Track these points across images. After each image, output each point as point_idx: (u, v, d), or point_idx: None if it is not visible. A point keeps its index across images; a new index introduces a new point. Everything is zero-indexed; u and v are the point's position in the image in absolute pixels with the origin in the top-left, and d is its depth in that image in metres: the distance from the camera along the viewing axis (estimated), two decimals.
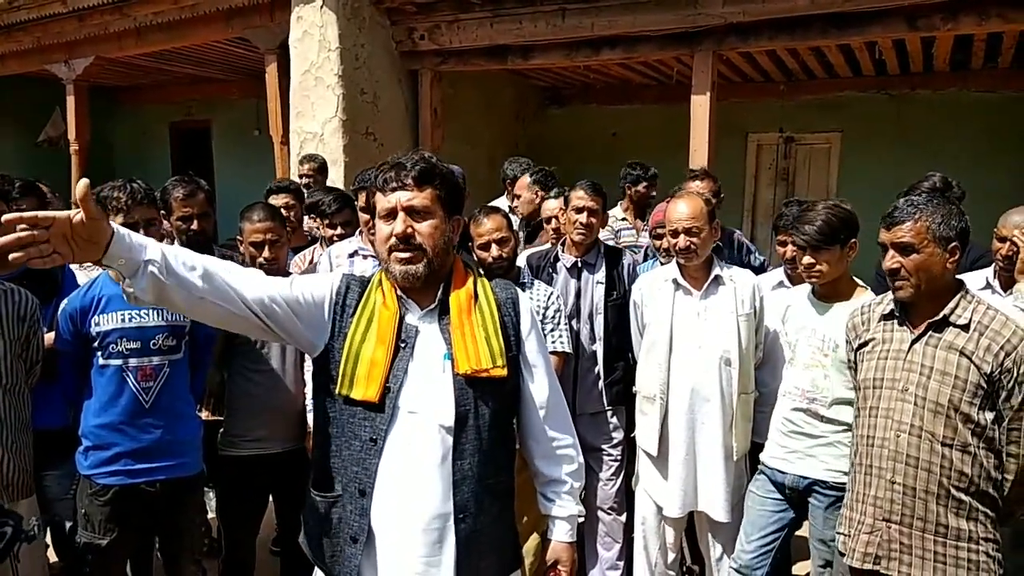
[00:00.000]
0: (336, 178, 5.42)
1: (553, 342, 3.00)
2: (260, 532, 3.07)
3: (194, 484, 2.69)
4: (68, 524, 2.57)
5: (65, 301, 2.58)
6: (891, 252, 2.17)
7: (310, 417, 2.64)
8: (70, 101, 7.62)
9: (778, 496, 2.75)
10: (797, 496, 2.70)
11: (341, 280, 1.86)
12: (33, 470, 2.58)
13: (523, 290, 2.56)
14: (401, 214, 1.76)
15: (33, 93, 9.03)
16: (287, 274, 2.96)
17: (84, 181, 1.40)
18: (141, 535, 2.71)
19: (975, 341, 2.09)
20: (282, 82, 5.99)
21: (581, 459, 1.98)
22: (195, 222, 3.17)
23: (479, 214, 3.10)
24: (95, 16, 6.72)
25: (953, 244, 2.12)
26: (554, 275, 3.36)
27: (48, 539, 2.91)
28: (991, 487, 2.12)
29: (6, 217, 1.36)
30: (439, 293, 1.83)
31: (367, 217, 3.20)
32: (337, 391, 1.76)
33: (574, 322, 3.29)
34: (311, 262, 3.78)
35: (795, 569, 3.42)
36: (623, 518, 3.40)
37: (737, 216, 8.12)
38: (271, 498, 3.04)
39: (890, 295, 2.29)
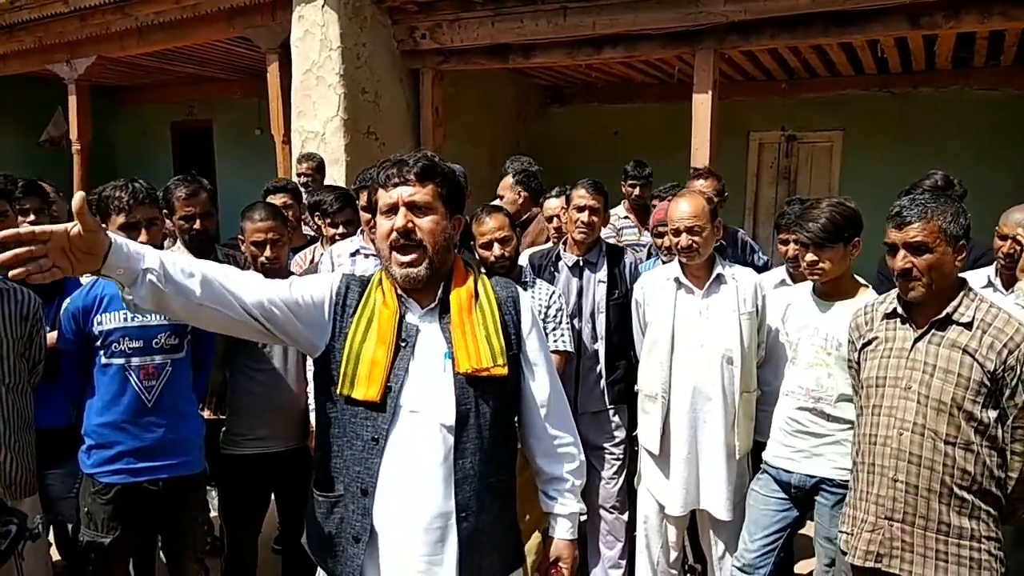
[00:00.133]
0: (338, 177, 5.43)
1: (555, 341, 3.01)
2: (262, 531, 3.07)
3: (197, 483, 2.70)
4: (70, 525, 2.58)
5: (68, 300, 2.59)
6: (902, 253, 2.13)
7: (312, 416, 2.64)
8: (72, 101, 7.62)
9: (782, 496, 2.74)
10: (804, 495, 2.70)
11: (340, 280, 1.85)
12: (36, 469, 2.59)
13: (525, 289, 2.56)
14: (402, 209, 1.76)
15: (35, 93, 9.04)
16: (289, 273, 2.98)
17: (80, 194, 1.40)
18: (144, 534, 2.72)
19: (978, 339, 2.09)
20: (283, 81, 5.99)
21: (582, 457, 1.98)
22: (198, 221, 3.16)
23: (481, 213, 3.11)
24: (97, 16, 6.73)
25: (961, 243, 2.11)
26: (556, 274, 3.36)
27: (51, 538, 2.91)
28: (994, 485, 2.12)
29: (2, 234, 1.35)
30: (439, 292, 1.83)
31: (369, 216, 3.20)
32: (338, 391, 1.76)
33: (576, 321, 3.29)
34: (312, 261, 3.79)
35: (797, 568, 3.42)
36: (625, 517, 3.40)
37: (739, 215, 8.10)
38: (273, 497, 3.04)
39: (892, 294, 2.29)
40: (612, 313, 3.29)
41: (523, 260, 3.41)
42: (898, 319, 2.24)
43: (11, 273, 1.35)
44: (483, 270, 2.80)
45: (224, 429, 2.94)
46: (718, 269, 2.95)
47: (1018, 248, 2.85)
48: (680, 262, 2.99)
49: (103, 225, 2.56)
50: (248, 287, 1.70)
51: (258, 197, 3.89)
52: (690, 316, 2.95)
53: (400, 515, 1.74)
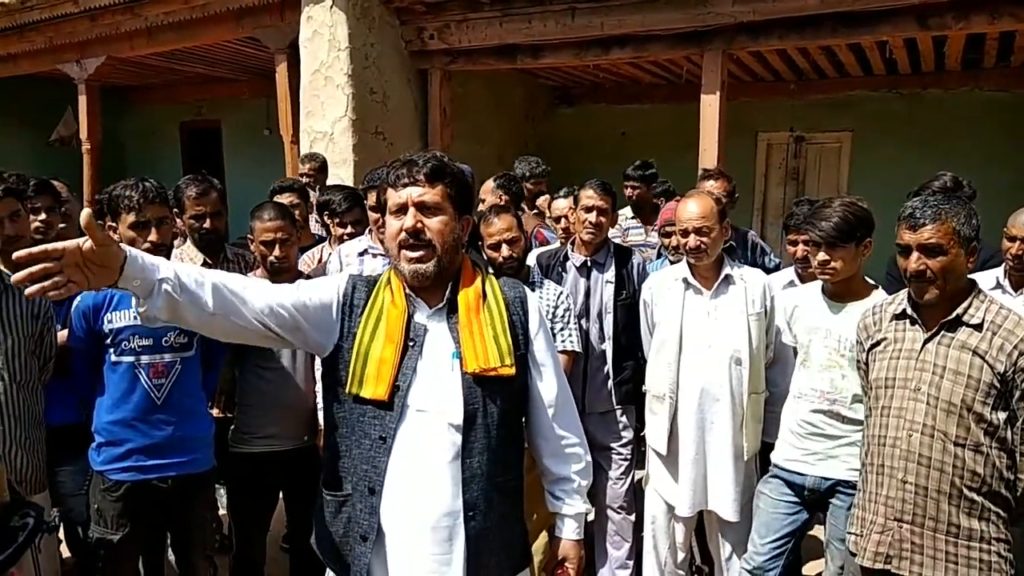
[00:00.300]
0: (346, 177, 5.45)
1: (563, 341, 3.01)
2: (271, 529, 3.08)
3: (206, 480, 2.71)
4: (79, 526, 2.59)
5: (78, 298, 2.59)
6: (916, 254, 2.10)
7: (321, 415, 2.65)
8: (82, 101, 7.67)
9: (793, 499, 2.72)
10: (817, 498, 2.68)
11: (347, 281, 1.86)
12: (46, 465, 2.60)
13: (533, 289, 2.56)
14: (412, 209, 1.76)
15: (45, 93, 9.09)
16: (298, 271, 2.99)
17: (87, 211, 1.41)
18: (153, 531, 2.72)
19: (988, 340, 2.08)
20: (292, 82, 6.02)
21: (589, 457, 1.99)
22: (208, 221, 3.18)
23: (489, 214, 3.12)
24: (107, 16, 6.77)
25: (973, 244, 2.10)
26: (564, 274, 3.36)
27: (61, 535, 2.93)
28: (1003, 487, 2.11)
29: (16, 255, 1.37)
30: (447, 292, 1.83)
31: (377, 216, 3.21)
32: (347, 390, 1.77)
33: (583, 321, 3.29)
34: (320, 261, 3.80)
35: (804, 569, 3.41)
36: (633, 517, 3.39)
37: (747, 215, 8.10)
38: (281, 495, 3.05)
39: (901, 295, 2.28)
40: (620, 313, 3.29)
41: (531, 260, 3.42)
42: (907, 320, 2.23)
43: (27, 292, 1.37)
44: (491, 270, 2.80)
45: (233, 427, 2.95)
46: (726, 270, 2.94)
47: None
48: (688, 263, 2.99)
49: (113, 225, 2.60)
50: (256, 294, 1.71)
51: (267, 197, 3.91)
52: (698, 317, 2.94)
53: (408, 514, 1.75)
